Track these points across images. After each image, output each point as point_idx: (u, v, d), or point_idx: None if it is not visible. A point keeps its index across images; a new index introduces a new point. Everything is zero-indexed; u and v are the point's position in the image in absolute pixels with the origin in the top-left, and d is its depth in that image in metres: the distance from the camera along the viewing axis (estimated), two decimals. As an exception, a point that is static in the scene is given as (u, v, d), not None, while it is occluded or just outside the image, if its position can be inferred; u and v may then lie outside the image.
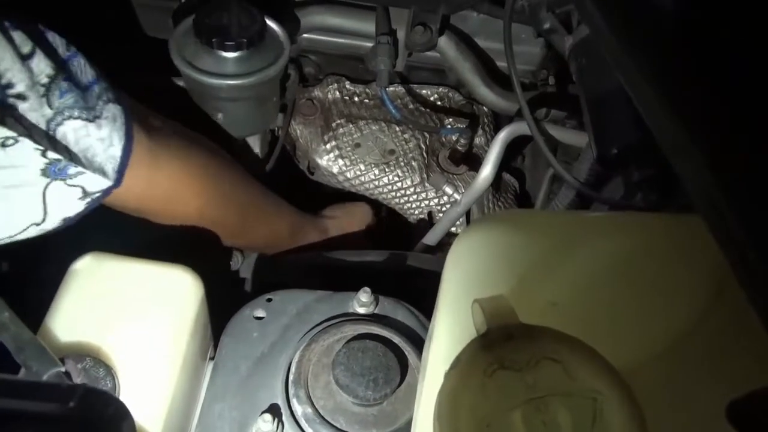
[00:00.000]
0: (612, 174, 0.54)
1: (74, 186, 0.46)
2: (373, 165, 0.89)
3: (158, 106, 0.78)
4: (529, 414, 0.23)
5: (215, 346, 0.57)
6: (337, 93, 0.93)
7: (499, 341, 0.24)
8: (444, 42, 0.84)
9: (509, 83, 0.90)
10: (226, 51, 0.68)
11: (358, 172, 0.90)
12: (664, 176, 0.46)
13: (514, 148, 0.79)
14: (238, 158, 0.83)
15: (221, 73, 0.68)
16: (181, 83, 0.75)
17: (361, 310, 0.57)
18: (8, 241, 0.46)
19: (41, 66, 0.44)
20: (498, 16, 0.79)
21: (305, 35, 0.86)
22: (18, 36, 0.43)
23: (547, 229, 0.31)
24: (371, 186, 0.90)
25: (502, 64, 0.91)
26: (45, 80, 0.44)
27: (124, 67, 0.78)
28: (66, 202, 0.46)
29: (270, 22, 0.72)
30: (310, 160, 0.91)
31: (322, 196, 0.95)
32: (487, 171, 0.73)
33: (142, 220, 0.58)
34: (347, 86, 0.94)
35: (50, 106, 0.44)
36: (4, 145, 0.41)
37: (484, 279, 0.30)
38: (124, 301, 0.49)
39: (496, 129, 0.97)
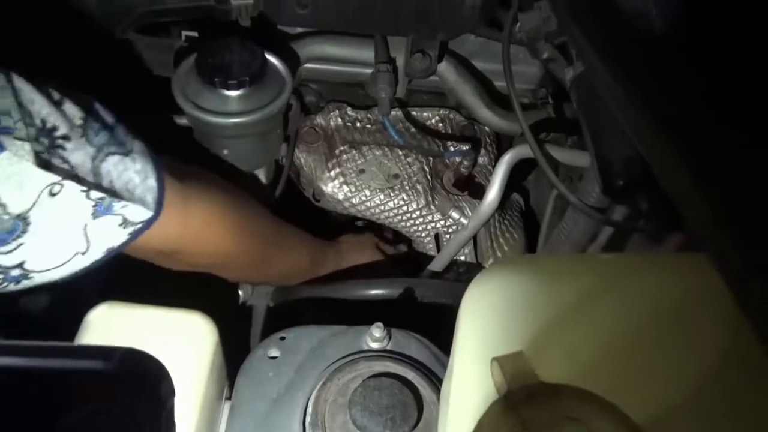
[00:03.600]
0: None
1: (116, 215, 0.47)
2: (378, 190, 0.90)
3: (163, 144, 0.80)
4: (554, 473, 0.23)
5: (231, 386, 0.57)
6: (339, 119, 0.94)
7: (521, 402, 0.24)
8: (443, 66, 0.84)
9: (509, 104, 0.91)
10: (228, 90, 0.68)
11: (364, 198, 0.90)
12: (672, 205, 0.46)
13: (518, 167, 0.80)
14: (244, 190, 0.84)
15: (225, 111, 0.69)
16: (184, 121, 0.76)
17: (375, 346, 0.57)
18: (56, 275, 0.47)
19: (73, 110, 0.46)
20: (496, 38, 0.79)
21: (305, 65, 0.87)
22: (47, 86, 0.45)
23: (562, 275, 0.32)
24: (377, 211, 0.91)
25: (501, 84, 0.92)
26: (80, 122, 0.46)
27: (128, 106, 0.79)
28: (109, 232, 0.48)
29: (271, 58, 0.73)
30: (315, 188, 0.91)
31: (329, 222, 0.96)
32: (492, 195, 0.73)
33: (149, 265, 0.59)
34: (349, 112, 0.94)
35: (91, 144, 0.46)
36: (52, 194, 0.42)
37: (500, 329, 0.30)
38: (140, 348, 0.49)
39: (499, 148, 0.98)
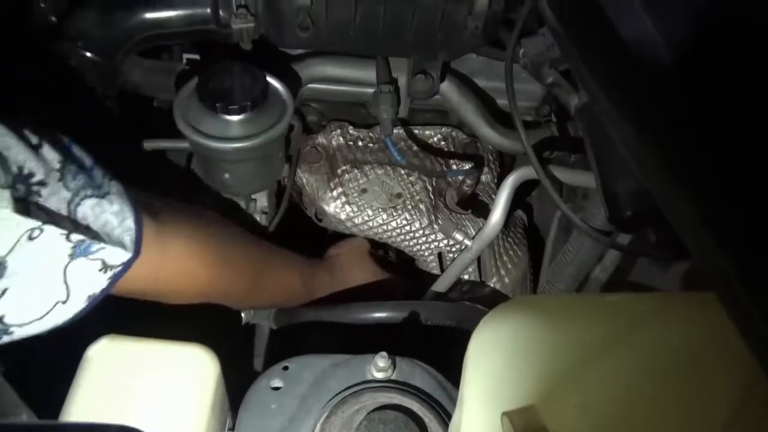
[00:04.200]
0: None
1: (95, 260, 0.46)
2: (380, 210, 0.89)
3: (163, 168, 0.79)
4: None
5: (234, 416, 0.57)
6: (341, 139, 0.93)
7: (532, 461, 0.23)
8: (446, 86, 0.84)
9: (512, 122, 0.91)
10: (230, 115, 0.68)
11: (366, 218, 0.89)
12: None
13: (521, 183, 0.79)
14: (246, 212, 0.83)
15: (226, 136, 0.69)
16: (185, 144, 0.75)
17: (379, 376, 0.56)
18: (37, 328, 0.46)
19: (51, 154, 0.46)
20: (498, 58, 0.79)
21: (307, 86, 0.87)
22: (25, 130, 0.44)
23: (572, 319, 0.31)
24: (380, 231, 0.90)
25: (504, 102, 0.92)
26: (57, 165, 0.46)
27: (128, 131, 0.79)
28: (88, 278, 0.47)
29: (272, 81, 0.72)
30: (317, 208, 0.91)
31: (332, 242, 0.95)
32: (496, 217, 0.72)
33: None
34: (351, 131, 0.94)
35: (67, 188, 0.45)
36: (31, 238, 0.42)
37: (509, 378, 0.29)
38: (141, 384, 0.49)
39: (501, 166, 0.97)
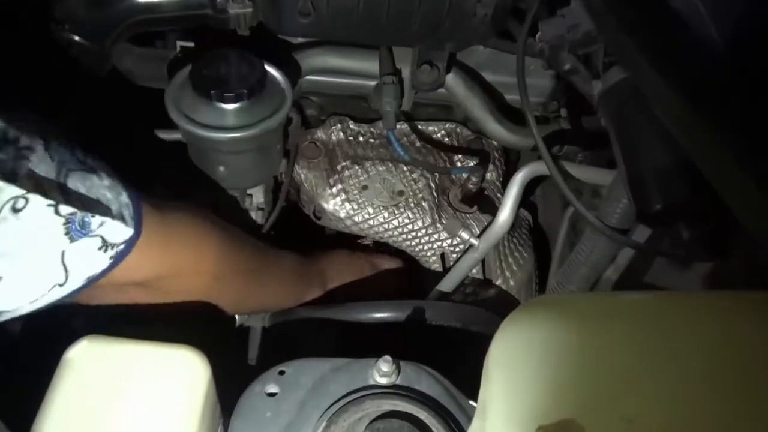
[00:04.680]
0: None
1: (94, 236, 0.43)
2: (382, 207, 0.85)
3: (156, 160, 0.75)
4: None
5: (225, 424, 0.53)
6: (341, 134, 0.90)
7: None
8: (451, 79, 0.80)
9: (519, 117, 0.88)
10: (225, 103, 0.64)
11: (367, 216, 0.86)
12: (718, 232, 0.42)
13: (526, 186, 0.76)
14: (241, 208, 0.79)
15: (221, 125, 0.65)
16: (177, 136, 0.72)
17: (382, 381, 0.52)
18: (30, 308, 0.43)
19: (32, 127, 0.42)
20: (507, 50, 0.76)
21: (306, 77, 0.83)
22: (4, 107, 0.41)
23: (608, 319, 0.27)
24: (381, 229, 0.86)
25: (511, 97, 0.88)
26: (40, 140, 0.42)
27: (119, 121, 0.75)
28: (88, 257, 0.43)
29: (270, 69, 0.69)
30: (316, 205, 0.87)
31: (330, 240, 0.91)
32: (505, 215, 0.69)
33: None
34: (351, 126, 0.90)
35: (52, 159, 0.42)
36: (15, 209, 0.38)
37: (539, 388, 0.25)
38: (125, 389, 0.45)
39: (507, 163, 0.94)
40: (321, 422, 0.49)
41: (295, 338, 0.73)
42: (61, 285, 0.43)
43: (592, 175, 0.67)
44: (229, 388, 0.53)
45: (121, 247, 0.45)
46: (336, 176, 0.86)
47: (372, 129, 0.90)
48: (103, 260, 0.45)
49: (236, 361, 0.74)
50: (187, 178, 0.72)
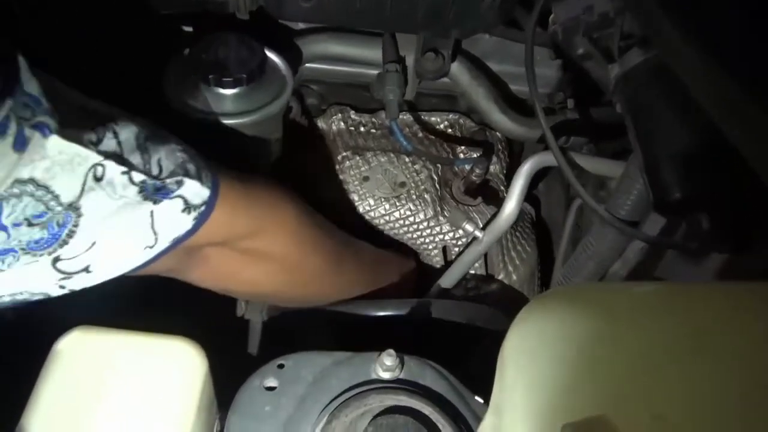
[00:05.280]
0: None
1: (175, 198, 0.44)
2: (383, 199, 0.84)
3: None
4: None
5: (222, 419, 0.51)
6: (342, 123, 0.88)
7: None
8: (456, 68, 0.79)
9: (525, 108, 0.86)
10: (224, 88, 0.62)
11: (368, 207, 0.84)
12: (740, 223, 0.40)
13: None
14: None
15: (220, 111, 0.63)
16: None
17: (386, 375, 0.50)
18: (118, 271, 0.44)
19: (104, 104, 0.43)
20: (514, 39, 0.74)
21: (307, 65, 0.81)
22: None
23: (636, 310, 0.25)
24: (382, 221, 0.84)
25: (516, 87, 0.87)
26: (116, 110, 0.43)
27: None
28: (173, 219, 0.44)
29: (271, 54, 0.67)
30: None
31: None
32: (511, 207, 0.67)
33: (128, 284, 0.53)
34: (352, 116, 0.88)
35: (130, 126, 0.42)
36: (96, 178, 0.39)
37: (561, 379, 0.24)
38: (116, 382, 0.43)
39: (511, 156, 0.92)
40: (322, 417, 0.47)
41: (295, 333, 0.71)
42: (151, 247, 0.43)
43: (601, 167, 0.65)
44: (227, 382, 0.51)
45: (202, 208, 0.45)
46: (337, 167, 0.84)
47: (374, 119, 0.88)
48: (187, 222, 0.45)
49: (235, 355, 0.72)
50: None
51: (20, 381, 0.42)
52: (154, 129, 0.44)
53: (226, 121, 0.63)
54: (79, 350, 0.43)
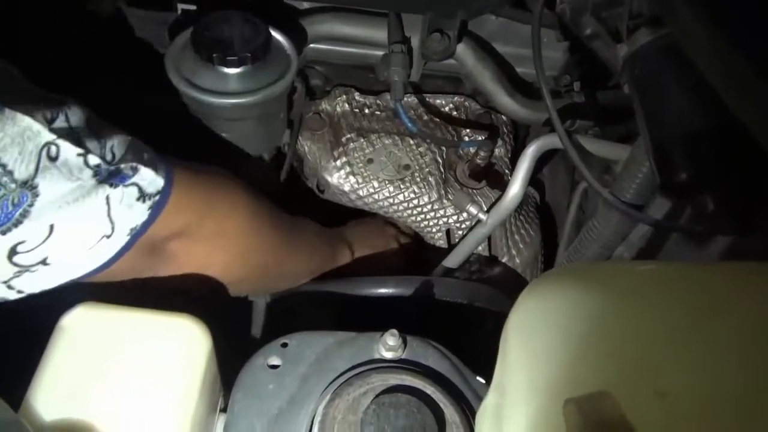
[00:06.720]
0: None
1: (130, 185, 0.43)
2: (387, 182, 0.83)
3: (155, 127, 0.73)
4: None
5: (226, 395, 0.51)
6: (347, 105, 0.87)
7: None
8: (461, 49, 0.78)
9: (531, 91, 0.85)
10: (228, 67, 0.62)
11: (372, 190, 0.84)
12: (745, 204, 0.40)
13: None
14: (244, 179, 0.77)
15: (223, 91, 0.62)
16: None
17: (388, 355, 0.51)
18: (77, 272, 0.42)
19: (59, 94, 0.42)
20: (520, 20, 0.73)
21: (311, 45, 0.80)
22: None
23: (640, 288, 0.25)
24: (386, 204, 0.84)
25: (521, 70, 0.86)
26: (69, 99, 0.42)
27: (116, 85, 0.73)
28: (128, 207, 0.43)
29: (275, 34, 0.66)
30: (319, 178, 0.85)
31: (334, 215, 0.89)
32: (515, 189, 0.67)
33: None
34: (357, 98, 0.88)
35: (83, 113, 0.42)
36: (50, 157, 0.38)
37: (564, 356, 0.24)
38: (122, 359, 0.43)
39: (516, 139, 0.92)
40: (325, 396, 0.48)
41: (298, 312, 0.72)
42: (108, 237, 0.42)
43: (606, 150, 0.65)
44: (231, 362, 0.52)
45: (157, 197, 0.45)
46: (340, 149, 0.84)
47: (378, 101, 0.88)
48: (143, 211, 0.44)
49: (239, 336, 0.72)
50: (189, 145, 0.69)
51: (25, 356, 0.42)
52: (104, 121, 0.44)
53: (230, 101, 0.63)
54: (83, 326, 0.43)
